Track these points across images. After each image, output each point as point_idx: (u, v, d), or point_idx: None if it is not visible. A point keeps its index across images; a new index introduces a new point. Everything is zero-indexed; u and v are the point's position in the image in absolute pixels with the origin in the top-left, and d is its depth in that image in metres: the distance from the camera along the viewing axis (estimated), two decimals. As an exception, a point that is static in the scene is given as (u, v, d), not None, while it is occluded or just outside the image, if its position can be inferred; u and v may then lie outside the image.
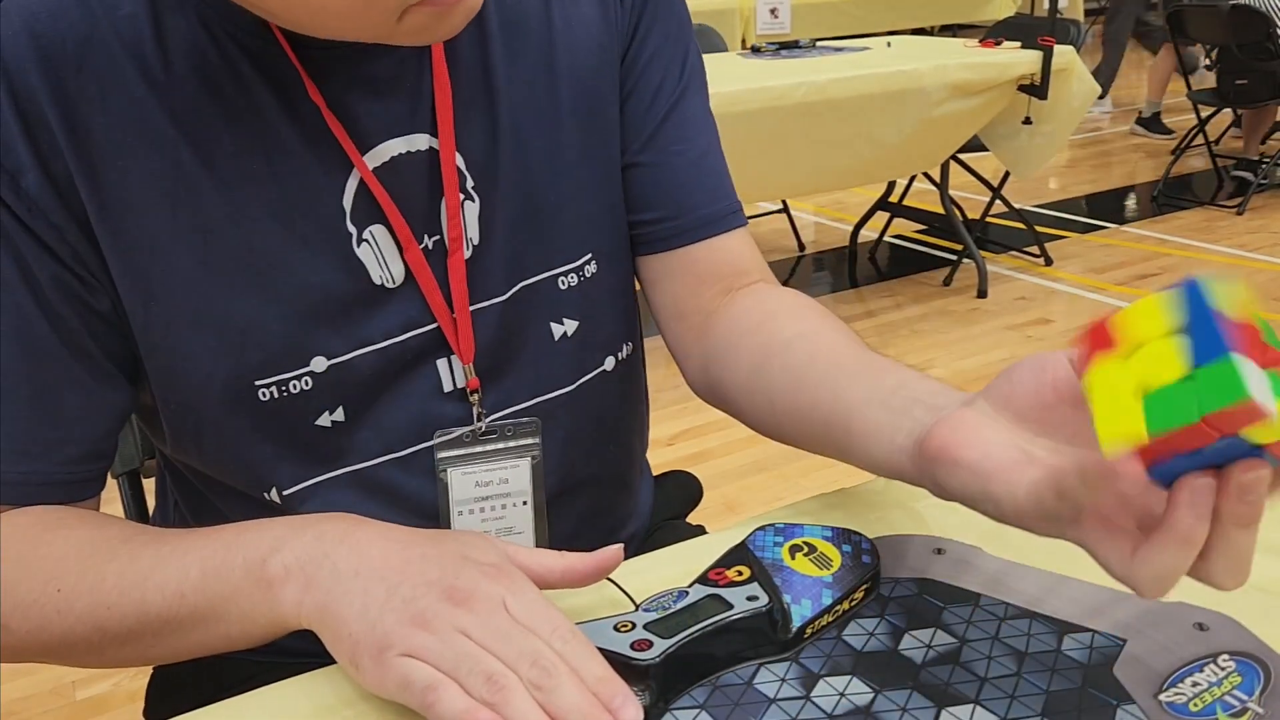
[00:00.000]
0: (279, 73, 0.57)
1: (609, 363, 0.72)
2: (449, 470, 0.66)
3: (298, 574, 0.51)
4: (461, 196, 0.63)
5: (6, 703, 1.69)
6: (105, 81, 0.55)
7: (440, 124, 0.61)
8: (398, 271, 0.62)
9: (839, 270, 3.74)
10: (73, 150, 0.55)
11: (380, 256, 0.62)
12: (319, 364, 0.62)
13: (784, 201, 3.86)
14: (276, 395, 0.62)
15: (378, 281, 0.62)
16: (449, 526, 0.67)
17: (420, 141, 0.61)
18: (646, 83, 0.70)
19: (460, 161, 0.63)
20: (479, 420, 0.66)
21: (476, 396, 0.66)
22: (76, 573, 0.55)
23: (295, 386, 0.62)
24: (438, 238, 0.63)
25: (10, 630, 0.55)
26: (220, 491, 0.68)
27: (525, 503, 0.69)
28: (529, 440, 0.68)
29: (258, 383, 0.61)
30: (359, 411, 0.64)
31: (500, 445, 0.67)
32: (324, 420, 0.63)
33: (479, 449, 0.67)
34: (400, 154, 0.61)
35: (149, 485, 0.88)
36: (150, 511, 0.86)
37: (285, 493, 0.65)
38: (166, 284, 0.58)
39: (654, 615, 0.52)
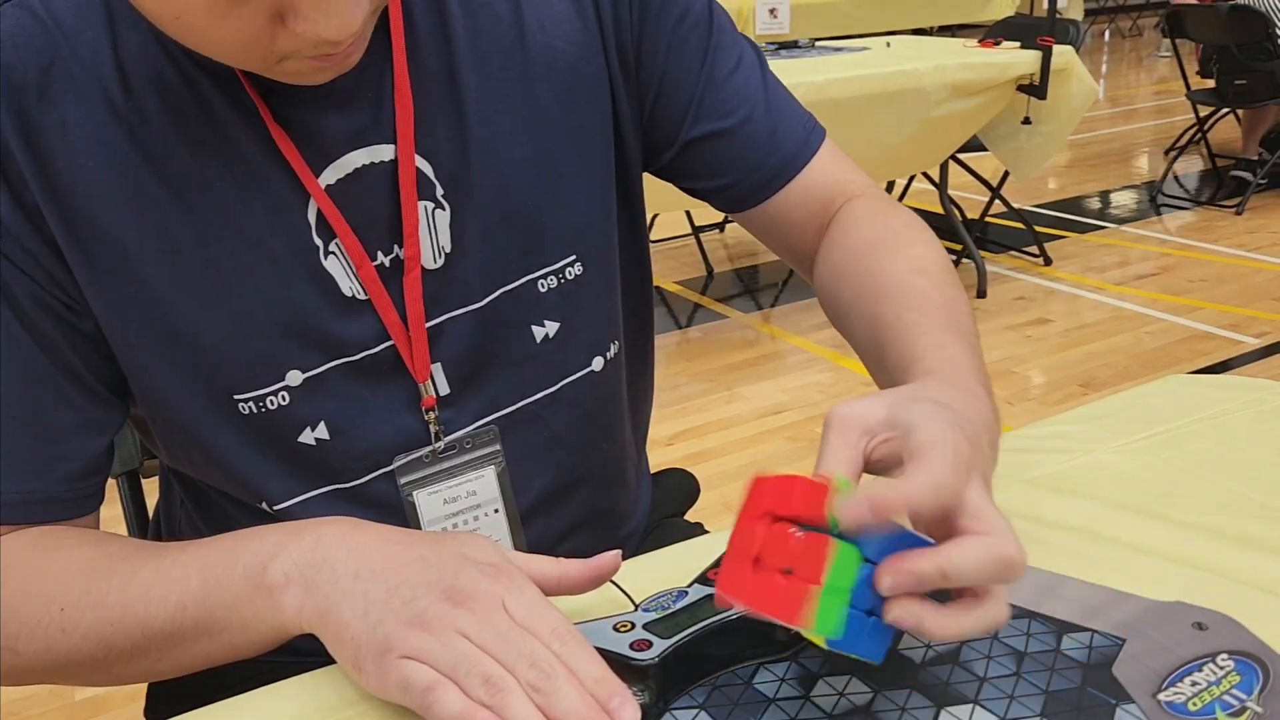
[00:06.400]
0: (237, 89, 0.57)
1: (596, 363, 0.71)
2: (414, 493, 0.66)
3: (297, 579, 0.51)
4: (432, 205, 0.62)
5: (6, 703, 1.69)
6: (66, 109, 0.55)
7: (400, 136, 0.60)
8: None
9: (838, 270, 3.74)
10: (38, 179, 0.55)
11: (348, 268, 0.61)
12: (294, 378, 0.62)
13: (783, 201, 3.85)
14: (256, 410, 0.62)
15: (348, 293, 0.61)
16: None
17: (385, 152, 0.60)
18: (674, 66, 0.69)
19: (430, 170, 0.62)
20: (437, 440, 0.66)
21: (433, 414, 0.65)
22: (79, 591, 0.55)
23: (273, 402, 0.62)
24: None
25: (16, 652, 0.55)
26: (222, 495, 0.68)
27: (497, 510, 0.68)
28: (490, 449, 0.67)
29: (236, 398, 0.61)
30: (342, 428, 0.64)
31: (461, 459, 0.67)
32: (307, 438, 0.63)
33: (440, 467, 0.66)
34: (364, 165, 0.60)
35: (149, 485, 0.88)
36: (151, 511, 0.86)
37: (276, 507, 0.65)
38: (140, 305, 0.58)
39: (653, 615, 0.52)
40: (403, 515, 0.66)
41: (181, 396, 0.61)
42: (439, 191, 0.62)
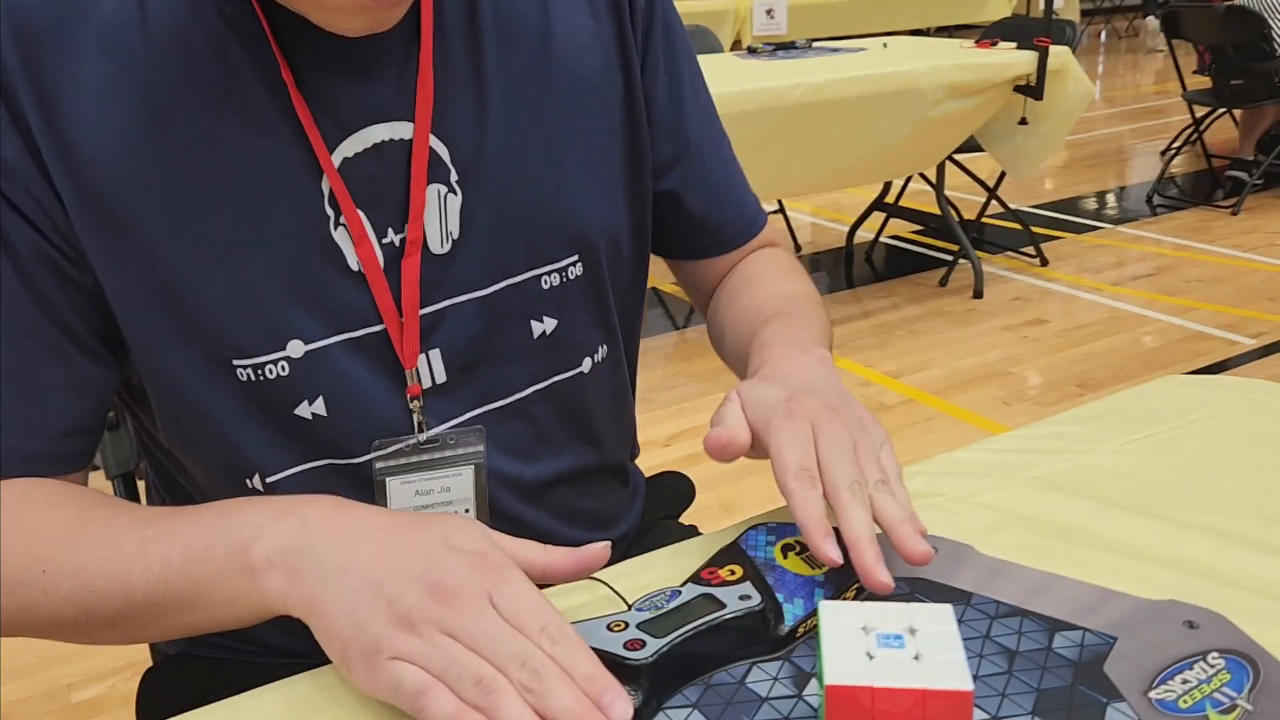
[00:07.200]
0: (264, 53, 0.58)
1: (585, 364, 0.72)
2: (387, 480, 0.66)
3: (281, 565, 0.51)
4: (445, 189, 0.63)
5: (5, 704, 1.69)
6: (81, 61, 0.55)
7: (418, 115, 0.61)
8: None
9: (835, 271, 3.74)
10: (45, 127, 0.55)
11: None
12: (295, 348, 0.61)
13: (780, 202, 3.86)
14: (254, 378, 0.61)
15: (354, 268, 0.61)
16: None
17: (404, 130, 0.61)
18: (673, 110, 0.74)
19: (446, 155, 0.63)
20: (420, 430, 0.66)
21: (418, 404, 0.65)
22: (62, 554, 0.55)
23: (272, 371, 0.61)
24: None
25: None
26: (206, 491, 0.68)
27: (468, 510, 0.68)
28: (472, 448, 0.67)
29: (235, 363, 0.61)
30: (341, 405, 0.63)
31: (441, 454, 0.67)
32: (304, 411, 0.63)
33: (419, 458, 0.66)
34: (383, 141, 0.61)
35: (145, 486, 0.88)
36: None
37: (269, 479, 0.65)
38: (142, 263, 0.58)
39: (647, 615, 0.53)
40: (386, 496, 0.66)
41: (179, 357, 0.61)
42: (453, 176, 0.63)
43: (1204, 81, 4.62)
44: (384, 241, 0.62)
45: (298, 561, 0.50)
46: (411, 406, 0.65)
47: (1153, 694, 0.48)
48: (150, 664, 0.83)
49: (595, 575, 0.62)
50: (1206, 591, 0.56)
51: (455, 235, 0.64)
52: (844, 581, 0.55)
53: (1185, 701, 0.48)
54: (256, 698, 0.53)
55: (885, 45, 3.43)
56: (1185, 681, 0.49)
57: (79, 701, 1.69)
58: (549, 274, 0.67)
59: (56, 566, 0.54)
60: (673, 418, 2.54)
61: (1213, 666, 0.50)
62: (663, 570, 0.61)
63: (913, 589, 0.57)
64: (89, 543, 0.55)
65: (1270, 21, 4.04)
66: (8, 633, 0.56)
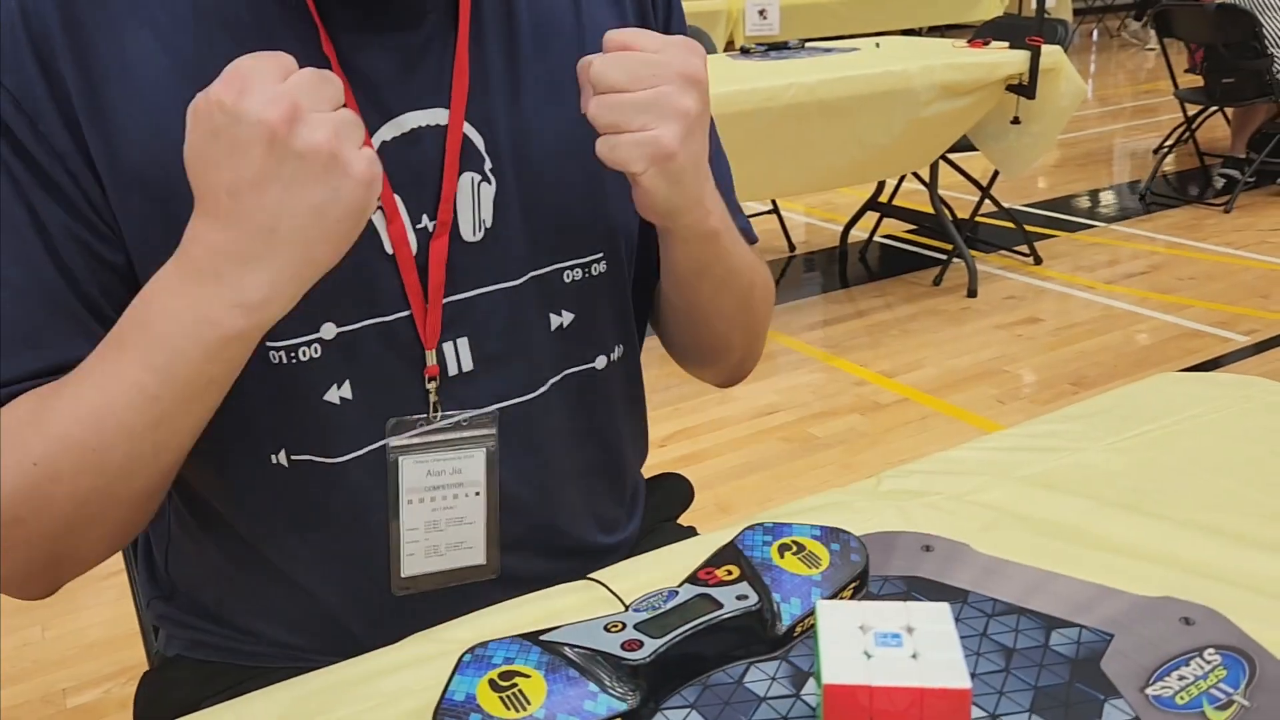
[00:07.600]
0: (309, 33, 0.59)
1: (600, 361, 0.72)
2: (400, 459, 0.66)
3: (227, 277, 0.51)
4: (478, 178, 0.64)
5: (4, 709, 1.68)
6: (125, 32, 0.56)
7: (453, 102, 0.63)
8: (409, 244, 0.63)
9: (829, 270, 3.75)
10: (86, 99, 0.56)
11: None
12: (328, 330, 0.62)
13: (774, 202, 3.87)
14: (286, 360, 0.61)
15: (389, 252, 0.62)
16: (396, 515, 0.66)
17: (441, 117, 0.63)
18: None
19: (481, 144, 0.64)
20: (435, 411, 0.65)
21: (434, 384, 0.65)
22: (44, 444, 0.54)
23: (304, 353, 0.61)
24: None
25: (21, 521, 0.54)
26: (219, 462, 0.67)
27: (478, 494, 0.68)
28: (486, 431, 0.68)
29: (269, 344, 0.61)
30: (368, 391, 0.63)
31: (455, 435, 0.67)
32: (333, 395, 0.63)
33: (433, 438, 0.66)
34: (420, 127, 0.62)
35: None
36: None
37: (294, 457, 0.64)
38: (177, 239, 0.58)
39: (644, 615, 0.53)
40: (382, 491, 0.66)
41: None
42: (487, 165, 0.64)
43: (1195, 80, 4.63)
44: (418, 227, 0.63)
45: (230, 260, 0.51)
46: (429, 388, 0.65)
47: (1150, 690, 0.48)
48: (147, 668, 0.83)
49: (593, 576, 0.62)
50: (1202, 588, 0.56)
51: (488, 224, 0.65)
52: (841, 580, 0.56)
53: (1182, 698, 0.48)
54: (254, 701, 0.53)
55: (878, 45, 3.44)
56: (1182, 678, 0.49)
57: (74, 706, 1.68)
58: (572, 268, 0.68)
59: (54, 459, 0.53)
60: (668, 418, 2.54)
61: (1209, 663, 0.50)
62: (660, 571, 0.61)
63: (909, 587, 0.57)
64: (65, 434, 0.54)
65: (1261, 19, 4.06)
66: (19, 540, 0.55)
